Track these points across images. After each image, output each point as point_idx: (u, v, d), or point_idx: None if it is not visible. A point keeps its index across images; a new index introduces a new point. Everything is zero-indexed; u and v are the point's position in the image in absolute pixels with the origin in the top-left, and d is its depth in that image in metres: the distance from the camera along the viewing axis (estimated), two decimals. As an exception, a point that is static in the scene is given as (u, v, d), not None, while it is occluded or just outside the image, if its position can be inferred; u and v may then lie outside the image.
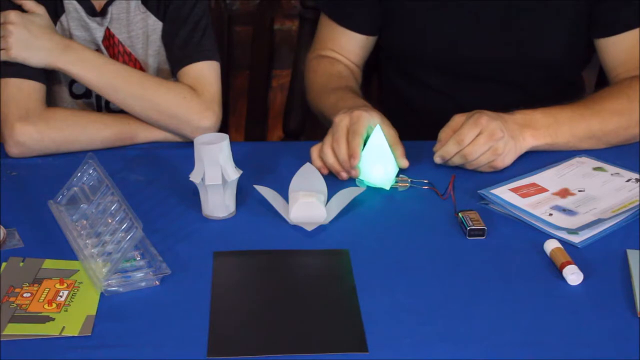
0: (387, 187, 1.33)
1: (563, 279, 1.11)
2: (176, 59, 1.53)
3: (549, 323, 1.04)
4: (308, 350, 0.99)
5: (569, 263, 1.12)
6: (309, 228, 1.22)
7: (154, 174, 1.39)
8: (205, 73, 1.51)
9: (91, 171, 1.24)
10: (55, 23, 1.49)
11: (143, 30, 1.55)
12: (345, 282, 1.11)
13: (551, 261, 1.15)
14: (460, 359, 0.98)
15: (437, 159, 1.37)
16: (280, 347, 0.99)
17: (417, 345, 0.99)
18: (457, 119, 1.36)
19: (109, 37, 1.54)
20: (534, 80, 1.63)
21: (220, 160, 1.22)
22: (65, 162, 1.36)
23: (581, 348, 0.99)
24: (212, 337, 1.00)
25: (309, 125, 1.90)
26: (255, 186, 1.29)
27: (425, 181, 1.35)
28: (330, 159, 1.34)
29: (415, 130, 1.48)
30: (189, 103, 1.46)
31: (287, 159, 1.44)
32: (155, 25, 1.55)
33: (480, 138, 1.33)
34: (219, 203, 1.25)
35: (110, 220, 1.15)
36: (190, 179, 1.24)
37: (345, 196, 1.26)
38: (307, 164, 1.33)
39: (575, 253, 1.16)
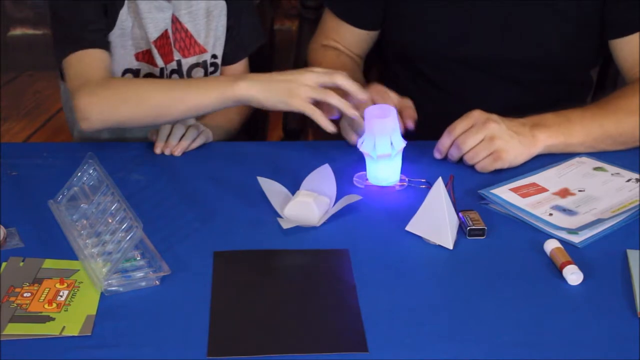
0: (451, 247, 1.18)
1: (563, 279, 1.11)
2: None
3: (549, 323, 1.04)
4: (308, 350, 0.99)
5: (569, 263, 1.12)
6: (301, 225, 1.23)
7: (154, 174, 1.39)
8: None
9: (91, 171, 1.24)
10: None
11: (205, 8, 1.60)
12: (345, 282, 1.11)
13: (551, 261, 1.15)
14: (460, 359, 0.98)
15: (436, 154, 1.41)
16: (280, 347, 0.99)
17: (417, 345, 0.99)
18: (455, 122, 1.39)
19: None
20: (537, 79, 1.63)
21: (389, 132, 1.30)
22: (65, 162, 1.36)
23: (581, 348, 0.99)
24: (212, 337, 1.00)
25: (308, 125, 1.89)
26: (259, 178, 1.29)
27: (422, 180, 1.35)
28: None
29: (419, 129, 1.47)
30: None
31: (287, 158, 1.44)
32: (217, 1, 1.61)
33: (473, 128, 1.35)
34: (387, 171, 1.33)
35: (110, 220, 1.15)
36: (361, 149, 1.32)
37: (341, 202, 1.26)
38: (326, 165, 1.33)
39: (575, 253, 1.16)
